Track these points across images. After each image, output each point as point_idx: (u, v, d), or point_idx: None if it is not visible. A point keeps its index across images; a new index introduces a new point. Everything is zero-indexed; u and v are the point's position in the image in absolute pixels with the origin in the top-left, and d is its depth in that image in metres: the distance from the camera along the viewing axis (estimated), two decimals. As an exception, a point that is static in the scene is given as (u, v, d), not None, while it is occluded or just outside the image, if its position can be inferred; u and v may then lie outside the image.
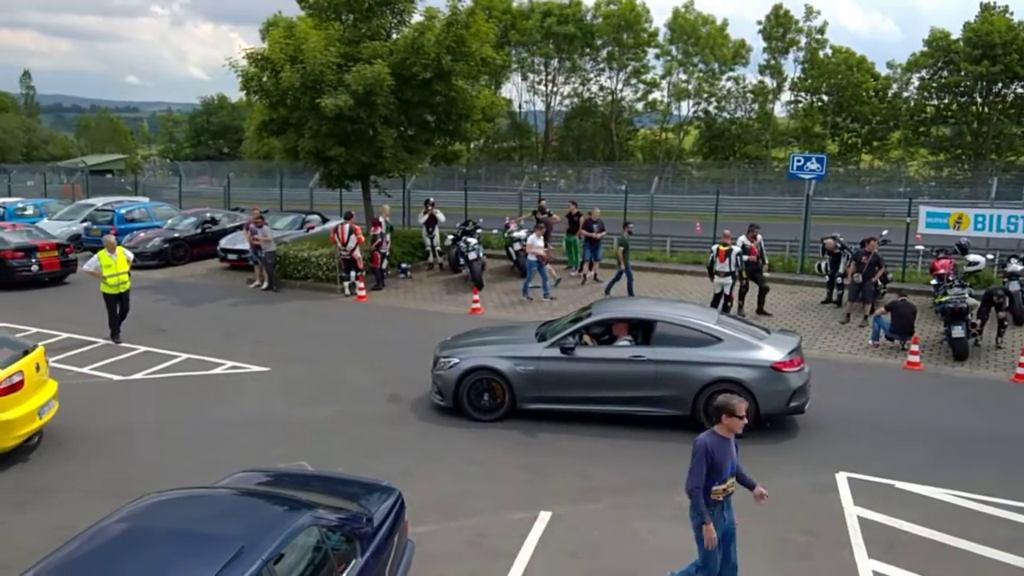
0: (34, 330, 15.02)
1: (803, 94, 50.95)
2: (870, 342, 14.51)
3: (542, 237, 18.48)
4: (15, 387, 8.88)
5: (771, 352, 10.21)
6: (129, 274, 14.57)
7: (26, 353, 9.39)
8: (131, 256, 14.96)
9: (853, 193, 40.34)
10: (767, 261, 17.61)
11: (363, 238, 19.04)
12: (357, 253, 18.79)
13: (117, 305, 14.32)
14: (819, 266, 18.26)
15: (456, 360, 10.79)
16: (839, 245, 17.44)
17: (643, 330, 10.70)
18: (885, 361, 13.69)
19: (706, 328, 10.47)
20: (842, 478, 8.82)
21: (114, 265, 14.17)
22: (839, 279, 17.28)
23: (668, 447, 9.63)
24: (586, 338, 10.87)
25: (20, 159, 63.97)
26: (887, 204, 34.86)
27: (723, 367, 10.10)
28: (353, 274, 18.80)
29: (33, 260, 19.67)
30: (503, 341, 11.38)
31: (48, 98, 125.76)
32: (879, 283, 16.26)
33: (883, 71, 48.65)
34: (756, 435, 9.99)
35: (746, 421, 6.30)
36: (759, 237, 16.85)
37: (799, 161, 21.22)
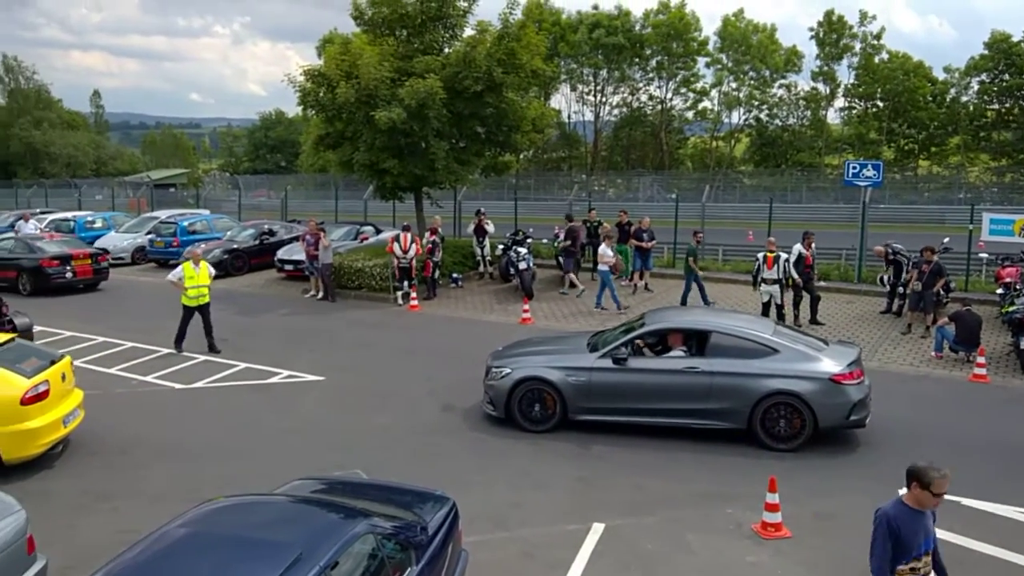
0: (100, 339, 15.53)
1: (857, 100, 50.01)
2: (933, 354, 14.10)
3: (612, 246, 18.43)
4: (40, 396, 9.14)
5: (830, 364, 9.96)
6: (209, 288, 14.76)
7: (52, 363, 9.66)
8: (213, 271, 15.13)
9: (911, 200, 39.43)
10: (816, 269, 17.31)
11: (421, 249, 19.36)
12: (415, 262, 19.18)
13: (192, 317, 14.49)
14: (881, 278, 17.75)
15: (508, 370, 10.77)
16: (891, 252, 17.04)
17: (697, 341, 10.56)
18: (949, 373, 13.31)
19: (762, 339, 10.27)
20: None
21: (196, 277, 14.36)
22: (900, 289, 16.88)
23: (724, 460, 9.53)
24: (645, 349, 10.77)
25: (90, 174, 66.18)
26: (947, 211, 34.02)
27: (780, 379, 9.88)
28: (406, 283, 19.02)
29: (68, 268, 21.04)
30: (555, 351, 11.29)
31: (116, 116, 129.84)
32: (942, 293, 15.84)
33: (940, 75, 47.56)
34: (817, 450, 9.85)
35: (941, 501, 5.39)
36: (813, 245, 16.57)
37: (854, 168, 20.83)
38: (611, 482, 9.04)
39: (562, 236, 21.04)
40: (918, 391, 12.52)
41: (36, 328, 15.18)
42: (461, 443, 10.30)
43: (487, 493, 8.64)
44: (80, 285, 21.33)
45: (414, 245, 19.07)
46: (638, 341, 10.76)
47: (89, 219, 29.55)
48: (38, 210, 34.69)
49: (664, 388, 10.23)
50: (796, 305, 16.36)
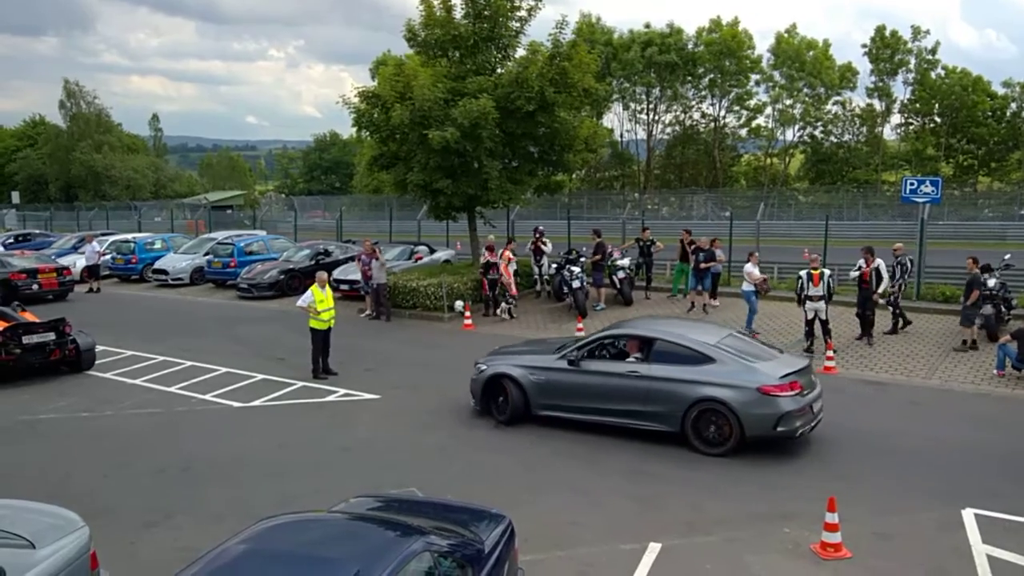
0: (160, 358, 15.90)
1: (914, 116, 49.05)
2: (996, 372, 13.67)
3: (757, 265, 17.44)
4: None
5: (761, 375, 10.09)
6: None
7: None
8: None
9: (971, 216, 38.34)
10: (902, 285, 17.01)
11: (509, 270, 19.84)
12: (504, 280, 19.64)
13: (324, 340, 14.45)
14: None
15: (484, 368, 11.88)
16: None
17: (646, 347, 11.03)
18: (1012, 392, 12.86)
19: (701, 347, 10.58)
20: (968, 515, 8.31)
21: (326, 300, 14.32)
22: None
23: (781, 479, 9.35)
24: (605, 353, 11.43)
25: (149, 196, 67.96)
26: (1008, 227, 33.11)
27: (710, 387, 10.18)
28: (501, 295, 19.79)
29: (34, 281, 23.62)
30: (528, 352, 12.25)
31: (174, 139, 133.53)
32: (1003, 309, 15.37)
33: (999, 90, 46.45)
34: (875, 469, 9.62)
35: None
36: (879, 261, 16.25)
37: (912, 184, 20.36)
38: (668, 501, 8.92)
39: (617, 256, 21.01)
40: (979, 410, 12.13)
41: (98, 347, 15.64)
42: (516, 461, 10.26)
43: (543, 511, 8.59)
44: (49, 296, 23.99)
45: (503, 261, 19.52)
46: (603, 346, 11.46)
47: (149, 241, 30.29)
48: (99, 232, 35.78)
49: (610, 390, 10.85)
50: (870, 324, 16.19)
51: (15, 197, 60.08)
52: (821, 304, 15.44)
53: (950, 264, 20.09)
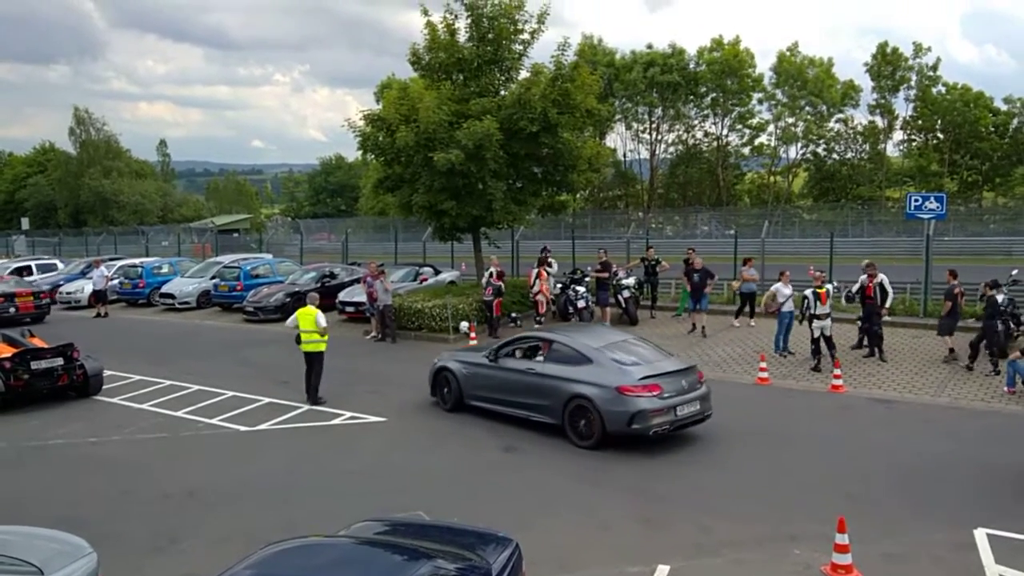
0: (167, 382, 15.93)
1: (917, 132, 49.16)
2: (1005, 389, 13.59)
3: (789, 284, 17.24)
4: None
5: (623, 376, 11.04)
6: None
7: None
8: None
9: (976, 232, 38.30)
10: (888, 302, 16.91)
11: (546, 287, 20.19)
12: (540, 298, 19.91)
13: (308, 363, 14.18)
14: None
15: (436, 360, 13.93)
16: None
17: (546, 348, 12.37)
18: (1022, 409, 12.79)
19: (583, 349, 11.74)
20: (981, 535, 8.24)
21: (309, 323, 14.03)
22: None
23: (789, 499, 9.29)
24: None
25: (157, 221, 68.34)
26: (1015, 242, 33.07)
27: (582, 385, 11.29)
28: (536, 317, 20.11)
29: (12, 304, 24.63)
30: (471, 350, 14.06)
31: (181, 164, 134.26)
32: (1012, 325, 15.33)
33: (1001, 105, 46.60)
34: (888, 488, 9.56)
35: None
36: (881, 276, 16.23)
37: (916, 200, 20.37)
38: (675, 523, 8.86)
39: (622, 275, 21.02)
40: (990, 427, 12.05)
41: (106, 372, 15.68)
42: (523, 483, 10.23)
43: (550, 533, 8.54)
44: (27, 319, 24.45)
45: (539, 280, 19.79)
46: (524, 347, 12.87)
47: (156, 265, 30.45)
48: (107, 257, 35.98)
49: (514, 384, 12.29)
50: (879, 339, 16.16)
51: (25, 223, 60.50)
52: (828, 322, 15.45)
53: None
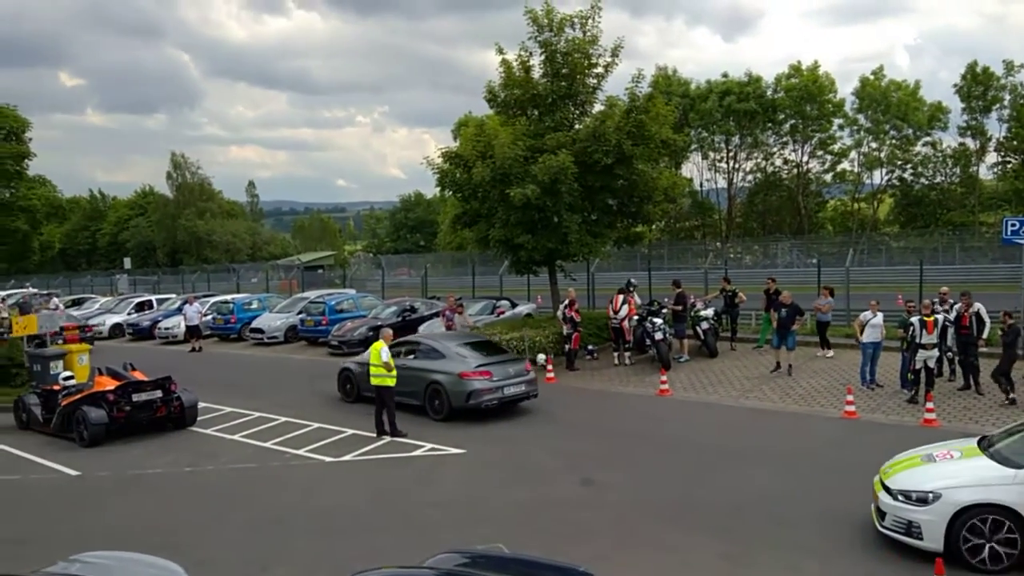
0: (257, 414, 16.48)
1: (1012, 154, 47.25)
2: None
3: (879, 314, 16.79)
4: None
5: (464, 366, 15.00)
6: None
7: None
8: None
9: (1079, 256, 36.36)
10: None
11: (635, 309, 20.16)
12: (626, 323, 19.89)
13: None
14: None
15: (342, 363, 17.93)
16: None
17: (419, 347, 16.40)
18: None
19: (440, 347, 15.78)
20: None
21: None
22: None
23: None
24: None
25: (246, 259, 71.06)
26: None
27: (436, 373, 15.16)
28: (623, 344, 20.18)
29: (60, 336, 22.15)
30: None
31: (269, 203, 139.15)
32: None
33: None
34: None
35: None
36: (977, 305, 15.66)
37: (1014, 225, 19.52)
38: (762, 561, 8.65)
39: (700, 306, 20.82)
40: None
41: (201, 404, 16.34)
42: (601, 517, 10.21)
43: (629, 570, 8.50)
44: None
45: (626, 306, 19.83)
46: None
47: (246, 301, 31.61)
48: (201, 293, 37.53)
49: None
50: (975, 371, 15.59)
51: (127, 263, 63.65)
52: (934, 352, 14.90)
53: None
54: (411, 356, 16.09)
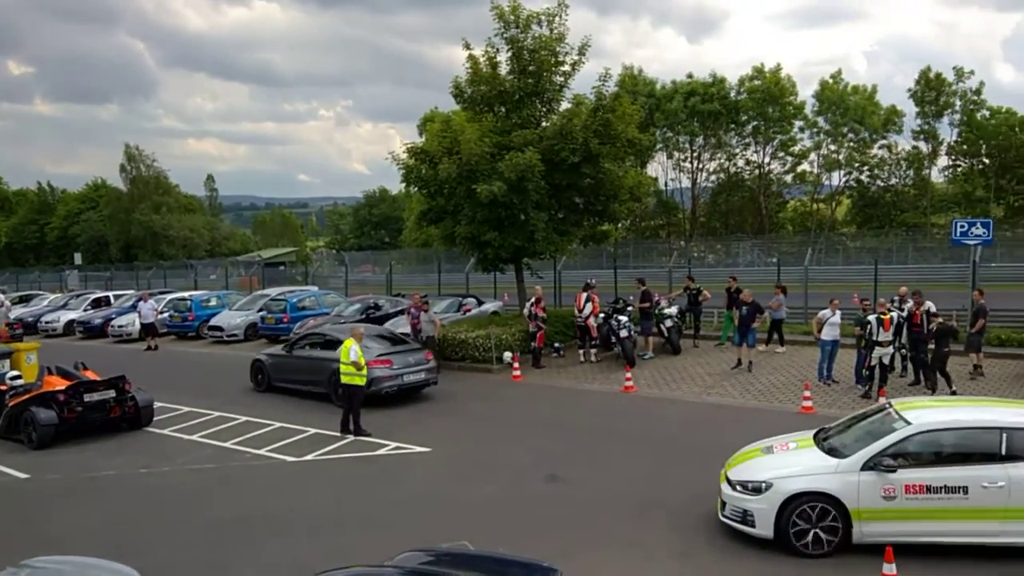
0: (216, 414, 16.17)
1: (962, 158, 48.40)
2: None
3: (837, 312, 16.98)
4: None
5: (367, 354, 14.78)
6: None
7: None
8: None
9: (1024, 257, 37.37)
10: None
11: (598, 307, 20.08)
12: (591, 321, 19.82)
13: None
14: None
15: (255, 355, 19.08)
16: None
17: (323, 339, 17.39)
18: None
19: (342, 337, 15.21)
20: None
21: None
22: None
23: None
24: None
25: (204, 255, 69.81)
26: (1064, 267, 32.15)
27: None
28: (588, 341, 20.10)
29: None
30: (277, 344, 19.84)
31: (229, 198, 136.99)
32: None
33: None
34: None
35: None
36: (928, 304, 16.01)
37: (962, 227, 19.96)
38: (726, 556, 8.71)
39: (664, 304, 20.92)
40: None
41: (157, 404, 15.97)
42: (567, 514, 10.17)
43: (594, 565, 8.48)
44: None
45: (589, 304, 19.73)
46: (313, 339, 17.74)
47: (204, 298, 30.97)
48: (156, 290, 36.81)
49: (300, 367, 17.24)
50: (943, 366, 15.59)
51: (77, 258, 62.16)
52: (889, 349, 15.25)
53: (1005, 307, 19.57)
54: (316, 348, 17.19)
